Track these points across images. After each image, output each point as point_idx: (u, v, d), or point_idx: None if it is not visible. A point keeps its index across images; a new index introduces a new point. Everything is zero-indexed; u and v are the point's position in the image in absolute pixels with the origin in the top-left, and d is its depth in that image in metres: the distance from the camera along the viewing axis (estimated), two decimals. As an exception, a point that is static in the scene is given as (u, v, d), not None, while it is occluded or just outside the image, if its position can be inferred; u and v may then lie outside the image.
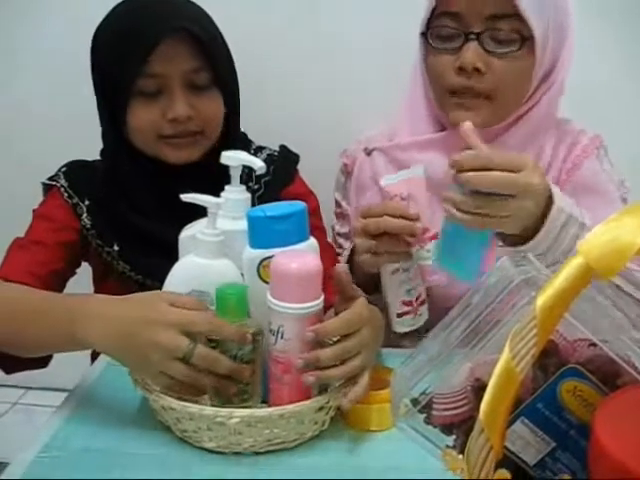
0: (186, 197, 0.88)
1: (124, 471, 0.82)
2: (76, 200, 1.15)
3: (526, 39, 0.99)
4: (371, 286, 1.04)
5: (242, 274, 0.87)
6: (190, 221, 0.97)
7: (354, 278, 0.96)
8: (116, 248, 1.14)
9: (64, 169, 1.19)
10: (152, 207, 1.15)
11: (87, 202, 1.15)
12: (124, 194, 1.15)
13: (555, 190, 0.90)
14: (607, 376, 0.55)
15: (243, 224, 0.87)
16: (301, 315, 0.81)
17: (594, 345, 0.55)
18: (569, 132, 1.13)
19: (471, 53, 0.99)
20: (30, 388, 2.06)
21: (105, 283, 1.18)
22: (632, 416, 0.50)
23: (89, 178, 1.18)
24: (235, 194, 0.93)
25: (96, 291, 1.20)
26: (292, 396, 0.83)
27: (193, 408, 0.81)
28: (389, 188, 1.01)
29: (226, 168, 0.96)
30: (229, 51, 1.17)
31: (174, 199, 0.91)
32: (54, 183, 1.17)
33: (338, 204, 1.27)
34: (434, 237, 0.99)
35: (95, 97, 1.15)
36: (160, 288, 0.91)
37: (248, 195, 0.94)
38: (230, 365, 0.81)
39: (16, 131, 1.80)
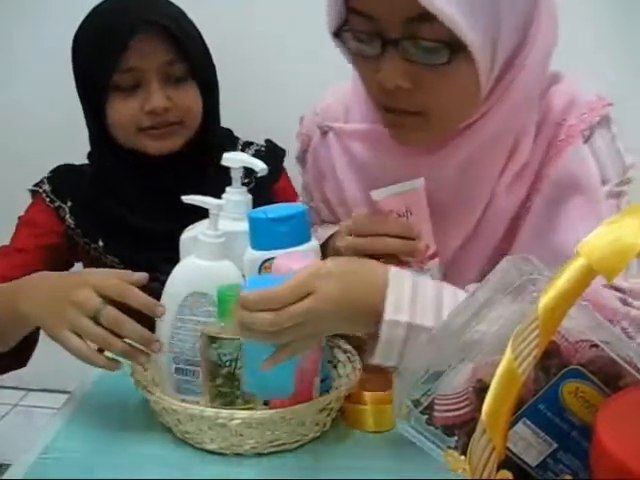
0: (187, 199, 0.89)
1: (125, 472, 0.82)
2: (58, 203, 1.19)
3: (457, 48, 0.76)
4: None
5: (243, 275, 0.88)
6: (174, 212, 0.99)
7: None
8: (101, 244, 1.19)
9: (49, 174, 1.23)
10: (136, 200, 1.18)
11: (70, 203, 1.19)
12: (109, 189, 1.19)
13: (389, 299, 0.73)
14: (609, 377, 0.55)
15: (244, 225, 0.87)
16: None
17: (596, 346, 0.55)
18: (557, 104, 0.92)
19: (390, 69, 0.78)
20: (31, 390, 2.06)
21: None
22: (634, 417, 0.50)
23: (74, 181, 1.22)
24: (236, 195, 0.93)
25: None
26: (300, 397, 0.83)
27: (194, 409, 0.81)
28: (383, 203, 0.90)
29: (207, 159, 1.02)
30: (205, 45, 1.21)
31: (157, 191, 0.96)
32: (37, 189, 1.21)
33: (303, 177, 1.14)
34: (434, 256, 0.91)
35: (77, 94, 1.19)
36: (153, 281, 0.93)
37: (249, 196, 0.95)
38: (136, 329, 0.83)
39: (14, 131, 1.81)
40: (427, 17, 0.73)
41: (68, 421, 0.92)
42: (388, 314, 0.72)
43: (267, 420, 0.81)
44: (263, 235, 0.86)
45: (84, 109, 1.20)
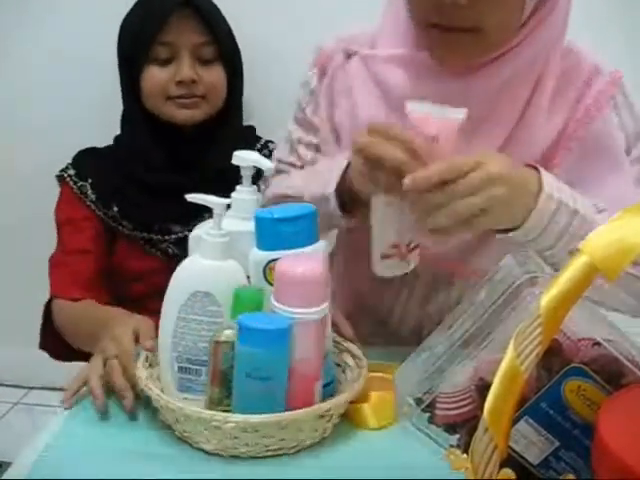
0: (191, 197, 0.89)
1: (127, 470, 0.81)
2: (81, 183, 1.33)
3: None
4: (363, 213, 0.91)
5: (248, 276, 0.87)
6: (192, 172, 1.25)
7: (345, 197, 0.91)
8: (115, 209, 1.31)
9: (72, 160, 1.37)
10: (159, 160, 1.32)
11: (90, 180, 1.33)
12: (132, 154, 1.33)
13: (544, 175, 0.82)
14: (611, 375, 0.55)
15: (252, 225, 0.87)
16: (305, 320, 0.80)
17: (598, 344, 0.55)
18: (578, 67, 0.97)
19: None
20: (32, 388, 2.06)
21: (115, 247, 1.32)
22: (636, 415, 0.50)
23: (94, 160, 1.37)
24: (245, 194, 0.92)
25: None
26: (299, 402, 0.81)
27: (190, 410, 0.81)
28: (417, 120, 0.84)
29: (227, 134, 1.19)
30: (231, 32, 1.38)
31: (178, 154, 1.14)
32: (63, 174, 1.34)
33: (302, 109, 1.10)
34: (415, 248, 0.88)
35: (117, 64, 1.36)
36: (165, 242, 1.27)
37: (258, 196, 0.94)
38: (120, 384, 0.88)
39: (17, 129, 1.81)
40: None
41: (69, 419, 0.92)
42: (546, 189, 0.80)
43: (262, 425, 0.79)
44: (268, 235, 0.84)
45: (122, 81, 1.36)
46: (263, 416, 0.79)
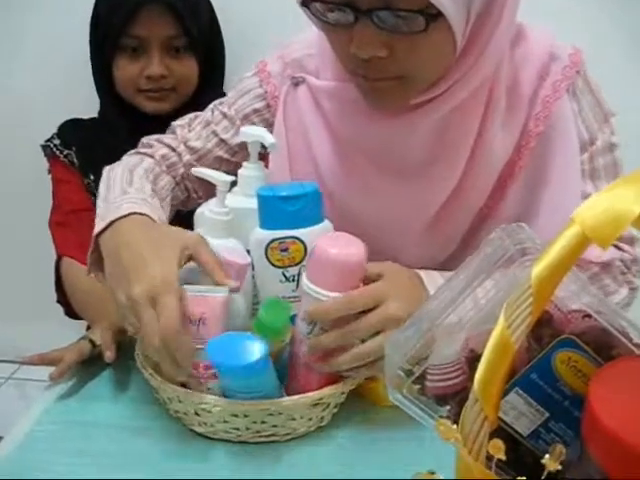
0: (196, 171, 0.90)
1: (117, 444, 0.82)
2: (66, 152, 1.39)
3: (433, 15, 0.73)
4: None
5: (248, 251, 0.86)
6: None
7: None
8: (92, 177, 1.35)
9: (57, 130, 1.43)
10: (128, 138, 1.27)
11: (74, 148, 1.39)
12: (109, 131, 1.40)
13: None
14: (601, 347, 0.55)
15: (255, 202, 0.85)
16: None
17: (589, 316, 0.55)
18: (530, 61, 0.91)
19: (365, 39, 0.76)
20: (23, 363, 2.06)
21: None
22: (626, 387, 0.50)
23: (77, 130, 1.43)
24: (251, 171, 0.91)
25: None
26: (322, 383, 0.82)
27: (180, 392, 0.80)
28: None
29: None
30: (212, 20, 1.41)
31: (149, 133, 1.09)
32: (48, 144, 1.40)
33: (229, 104, 1.04)
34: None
35: (89, 52, 1.40)
36: None
37: (264, 172, 0.93)
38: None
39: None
40: None
41: (60, 393, 0.92)
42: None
43: (250, 411, 0.79)
44: (271, 214, 0.83)
45: (93, 65, 1.40)
46: (252, 402, 0.78)
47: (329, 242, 0.78)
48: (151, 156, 1.04)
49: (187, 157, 1.03)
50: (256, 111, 1.02)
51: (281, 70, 1.00)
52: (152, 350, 0.75)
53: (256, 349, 0.75)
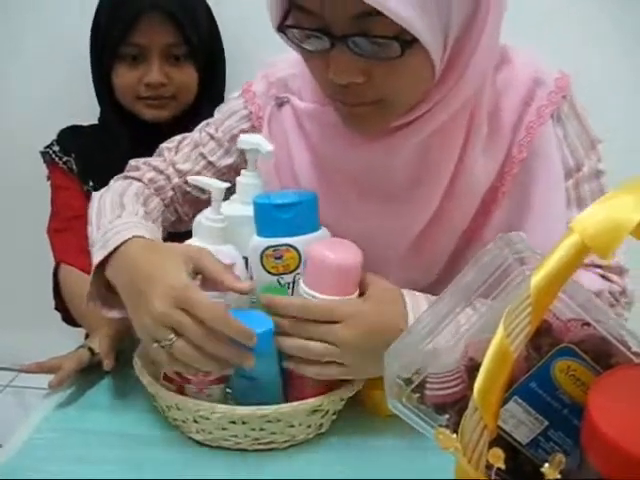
0: (192, 179, 0.90)
1: (116, 452, 0.82)
2: (66, 159, 1.39)
3: (409, 41, 0.72)
4: None
5: (245, 259, 0.86)
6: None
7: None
8: (91, 184, 1.36)
9: (56, 137, 1.43)
10: (128, 145, 1.36)
11: (73, 155, 1.39)
12: (109, 138, 1.40)
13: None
14: (600, 355, 0.55)
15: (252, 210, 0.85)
16: None
17: (587, 325, 0.55)
18: (514, 87, 0.90)
19: (341, 65, 0.75)
20: (21, 371, 2.05)
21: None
22: (625, 395, 0.50)
23: (77, 137, 1.43)
24: (249, 179, 0.91)
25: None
26: (316, 390, 0.82)
27: (178, 399, 0.80)
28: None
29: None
30: (213, 28, 1.41)
31: (149, 140, 1.11)
32: (48, 150, 1.40)
33: (216, 127, 1.04)
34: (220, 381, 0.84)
35: (89, 59, 1.40)
36: None
37: (262, 181, 0.93)
38: (217, 352, 0.75)
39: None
40: (374, 12, 0.69)
41: (59, 401, 0.92)
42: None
43: (248, 417, 0.78)
44: (266, 221, 0.83)
45: (93, 72, 1.40)
46: (250, 408, 0.78)
47: (326, 246, 0.80)
48: (139, 179, 1.04)
49: (175, 180, 1.03)
50: (243, 131, 1.00)
51: (265, 90, 1.00)
52: (193, 355, 0.74)
53: (262, 322, 0.77)
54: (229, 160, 1.03)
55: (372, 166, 0.90)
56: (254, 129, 1.01)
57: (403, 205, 0.91)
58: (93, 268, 0.84)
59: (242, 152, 0.97)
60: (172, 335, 0.73)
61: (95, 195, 1.00)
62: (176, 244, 0.84)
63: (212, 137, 1.03)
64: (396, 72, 0.76)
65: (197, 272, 0.79)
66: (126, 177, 1.05)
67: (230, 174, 1.01)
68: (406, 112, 0.83)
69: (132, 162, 1.08)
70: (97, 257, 0.84)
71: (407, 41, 0.72)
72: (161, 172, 1.04)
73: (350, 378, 0.83)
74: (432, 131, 0.85)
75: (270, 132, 0.98)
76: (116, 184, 1.03)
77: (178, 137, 1.07)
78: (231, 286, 0.77)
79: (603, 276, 0.93)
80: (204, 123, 1.06)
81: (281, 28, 0.78)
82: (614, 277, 0.94)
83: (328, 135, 0.92)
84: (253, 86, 1.01)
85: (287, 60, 0.99)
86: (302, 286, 0.80)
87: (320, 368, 0.80)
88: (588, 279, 0.91)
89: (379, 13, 0.69)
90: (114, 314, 0.87)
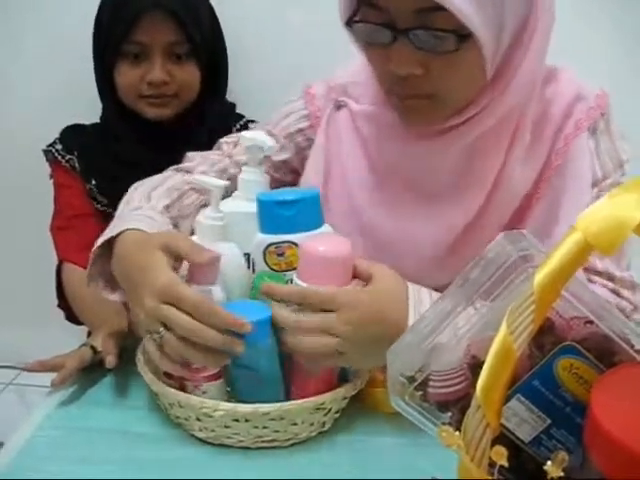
0: (192, 179, 0.90)
1: (118, 451, 0.82)
2: (68, 157, 1.39)
3: (464, 36, 0.78)
4: None
5: (246, 256, 0.86)
6: (162, 149, 1.26)
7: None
8: (94, 182, 1.37)
9: (59, 135, 1.43)
10: (130, 143, 1.38)
11: (76, 153, 1.40)
12: (111, 136, 1.40)
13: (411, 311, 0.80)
14: (603, 354, 0.55)
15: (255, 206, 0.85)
16: None
17: (590, 323, 0.55)
18: (557, 100, 0.95)
19: (402, 57, 0.81)
20: (24, 369, 2.05)
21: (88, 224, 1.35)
22: (628, 393, 0.50)
23: (79, 135, 1.43)
24: (252, 175, 0.91)
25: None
26: (318, 388, 0.82)
27: (181, 396, 0.80)
28: None
29: (200, 125, 1.23)
30: (215, 27, 1.41)
31: (152, 139, 1.21)
32: (50, 149, 1.41)
33: (274, 124, 1.08)
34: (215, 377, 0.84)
35: (92, 57, 1.39)
36: None
37: (266, 178, 0.93)
38: (208, 340, 0.75)
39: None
40: (437, 7, 0.75)
41: (61, 399, 0.92)
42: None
43: (251, 415, 0.78)
44: (268, 218, 0.83)
45: (96, 70, 1.40)
46: (253, 406, 0.78)
47: (316, 240, 0.81)
48: (189, 171, 1.05)
49: (232, 171, 1.05)
50: (300, 130, 1.07)
51: (325, 93, 1.06)
52: (182, 347, 0.75)
53: (260, 311, 0.78)
54: (284, 156, 1.07)
55: (423, 166, 0.94)
56: (312, 128, 1.06)
57: (446, 206, 0.95)
58: (94, 249, 0.87)
59: (297, 150, 1.07)
60: (162, 329, 0.76)
61: (132, 185, 1.04)
62: (157, 234, 0.85)
63: (270, 133, 1.05)
64: (451, 66, 0.82)
65: (176, 257, 0.80)
66: (177, 169, 1.08)
67: (284, 170, 1.08)
68: (457, 112, 0.88)
69: (189, 154, 1.10)
70: (99, 240, 0.88)
71: (463, 35, 0.78)
72: (214, 165, 1.07)
73: (347, 366, 0.84)
74: (480, 134, 0.90)
75: (327, 132, 1.03)
76: (156, 176, 1.06)
77: (238, 134, 1.08)
78: (199, 259, 0.79)
79: (614, 290, 0.93)
80: (262, 122, 1.12)
81: (349, 23, 0.85)
82: (625, 292, 0.93)
83: (384, 135, 0.97)
84: (313, 89, 1.07)
85: (347, 71, 1.05)
86: (295, 280, 0.81)
87: (318, 346, 0.78)
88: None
89: (439, 8, 0.75)
90: (115, 297, 0.90)
